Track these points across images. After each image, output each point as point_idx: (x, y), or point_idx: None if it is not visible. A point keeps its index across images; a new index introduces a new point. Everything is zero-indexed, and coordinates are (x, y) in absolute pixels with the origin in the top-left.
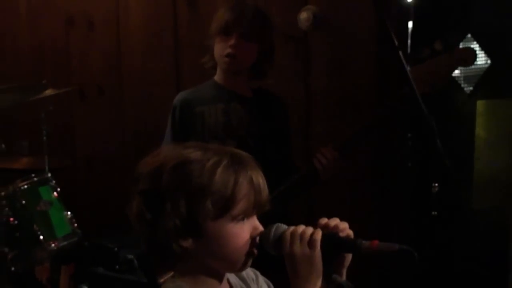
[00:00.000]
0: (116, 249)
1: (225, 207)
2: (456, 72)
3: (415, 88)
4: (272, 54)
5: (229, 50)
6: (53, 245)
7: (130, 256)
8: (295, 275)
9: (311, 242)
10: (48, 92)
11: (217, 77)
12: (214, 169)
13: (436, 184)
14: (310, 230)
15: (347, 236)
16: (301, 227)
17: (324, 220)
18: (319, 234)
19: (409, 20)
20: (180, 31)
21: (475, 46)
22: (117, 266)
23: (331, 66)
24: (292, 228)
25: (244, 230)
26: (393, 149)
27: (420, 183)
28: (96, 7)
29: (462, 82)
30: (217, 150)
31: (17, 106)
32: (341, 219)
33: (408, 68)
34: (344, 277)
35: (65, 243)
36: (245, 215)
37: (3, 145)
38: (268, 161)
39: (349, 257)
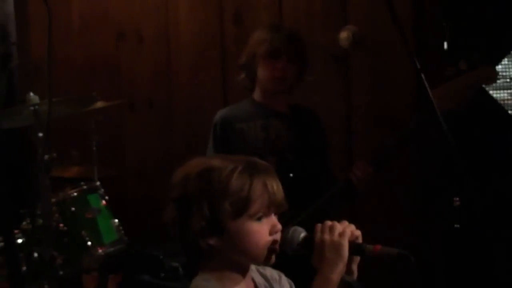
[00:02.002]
0: (161, 257)
1: (242, 207)
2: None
3: (435, 107)
4: (305, 72)
5: (279, 73)
6: (100, 251)
7: (175, 264)
8: (322, 260)
9: (341, 232)
10: (99, 104)
11: (256, 95)
12: (231, 174)
13: (458, 198)
14: (339, 224)
15: (355, 240)
16: (330, 222)
17: (329, 223)
18: (350, 228)
19: (445, 41)
20: (226, 47)
21: None
22: (162, 274)
23: (372, 84)
24: (325, 221)
25: (262, 228)
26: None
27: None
28: (147, 22)
29: None
30: (235, 159)
31: (69, 117)
32: (380, 233)
33: (429, 89)
34: (355, 276)
35: (112, 249)
36: (262, 214)
37: (54, 154)
38: (308, 175)
39: (357, 258)
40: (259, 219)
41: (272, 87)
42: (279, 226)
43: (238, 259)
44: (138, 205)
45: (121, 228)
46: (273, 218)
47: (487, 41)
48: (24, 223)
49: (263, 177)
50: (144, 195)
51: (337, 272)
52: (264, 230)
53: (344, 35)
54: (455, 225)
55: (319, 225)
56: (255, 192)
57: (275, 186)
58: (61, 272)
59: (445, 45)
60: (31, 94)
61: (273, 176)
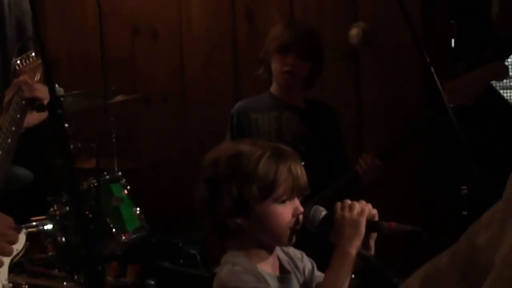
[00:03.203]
0: (180, 244)
1: (268, 191)
2: None
3: (445, 101)
4: (321, 68)
5: (287, 68)
6: (124, 238)
7: (193, 252)
8: (342, 235)
9: (360, 211)
10: (118, 98)
11: (273, 89)
12: (259, 159)
13: (465, 187)
14: (357, 203)
15: (372, 218)
16: (349, 201)
17: (349, 202)
18: (367, 207)
19: (452, 38)
20: (238, 42)
21: None
22: (181, 261)
23: (381, 80)
24: (345, 200)
25: (286, 210)
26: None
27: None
28: (161, 18)
29: None
30: (263, 145)
31: (88, 110)
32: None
33: (439, 83)
34: (372, 251)
35: (134, 236)
36: (286, 198)
37: (79, 144)
38: (320, 166)
39: (374, 234)
40: (283, 202)
41: (282, 81)
42: (301, 209)
43: (263, 238)
44: (154, 197)
45: (142, 216)
46: (296, 201)
47: (494, 39)
48: (51, 209)
49: (289, 163)
50: (159, 187)
51: (355, 246)
52: (287, 213)
53: (354, 31)
54: (463, 212)
55: (339, 203)
56: (281, 176)
57: (299, 171)
58: None
59: (452, 43)
60: (56, 86)
61: (297, 162)
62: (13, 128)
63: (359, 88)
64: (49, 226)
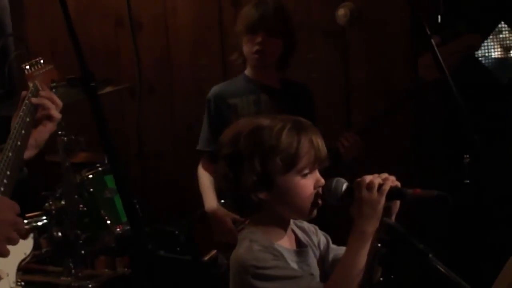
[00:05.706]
0: (177, 232)
1: (291, 163)
2: None
3: (447, 72)
4: (295, 46)
5: (257, 47)
6: (118, 229)
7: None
8: (359, 215)
9: (380, 190)
10: (108, 89)
11: (247, 72)
12: (281, 132)
13: (467, 156)
14: (378, 180)
15: (395, 186)
16: (369, 177)
17: (367, 179)
18: (388, 185)
19: (439, 14)
20: (225, 29)
21: None
22: (178, 248)
23: (368, 59)
24: (364, 177)
25: (308, 183)
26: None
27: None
28: (145, 8)
29: None
30: (282, 118)
31: (75, 103)
32: None
33: (439, 55)
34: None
35: (129, 227)
36: (308, 170)
37: (73, 136)
38: None
39: (397, 203)
40: (305, 175)
41: (255, 62)
42: (323, 181)
43: (284, 212)
44: (142, 188)
45: (137, 207)
46: (317, 174)
47: (480, 15)
48: (46, 204)
49: (310, 135)
50: (148, 177)
51: (372, 225)
52: (309, 185)
53: (341, 12)
54: (465, 181)
55: (358, 181)
56: (303, 148)
57: (320, 143)
58: (82, 251)
59: (439, 19)
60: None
61: (317, 134)
62: (23, 131)
63: (348, 68)
64: (43, 222)
